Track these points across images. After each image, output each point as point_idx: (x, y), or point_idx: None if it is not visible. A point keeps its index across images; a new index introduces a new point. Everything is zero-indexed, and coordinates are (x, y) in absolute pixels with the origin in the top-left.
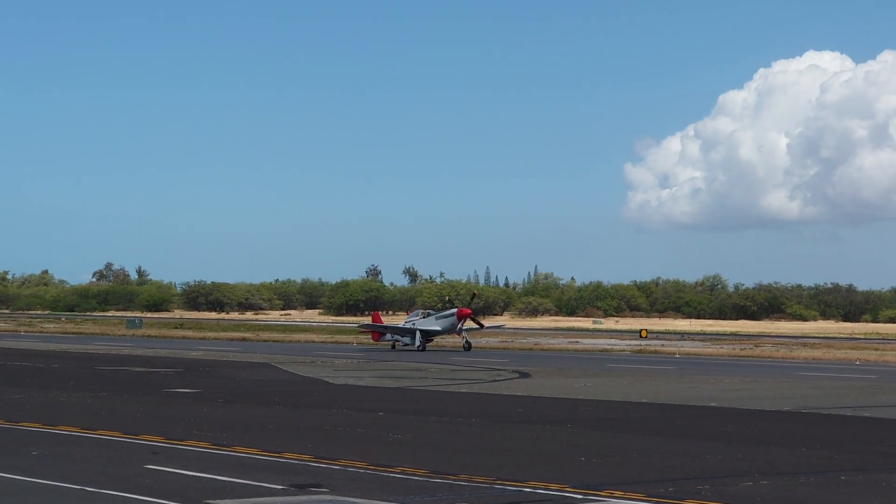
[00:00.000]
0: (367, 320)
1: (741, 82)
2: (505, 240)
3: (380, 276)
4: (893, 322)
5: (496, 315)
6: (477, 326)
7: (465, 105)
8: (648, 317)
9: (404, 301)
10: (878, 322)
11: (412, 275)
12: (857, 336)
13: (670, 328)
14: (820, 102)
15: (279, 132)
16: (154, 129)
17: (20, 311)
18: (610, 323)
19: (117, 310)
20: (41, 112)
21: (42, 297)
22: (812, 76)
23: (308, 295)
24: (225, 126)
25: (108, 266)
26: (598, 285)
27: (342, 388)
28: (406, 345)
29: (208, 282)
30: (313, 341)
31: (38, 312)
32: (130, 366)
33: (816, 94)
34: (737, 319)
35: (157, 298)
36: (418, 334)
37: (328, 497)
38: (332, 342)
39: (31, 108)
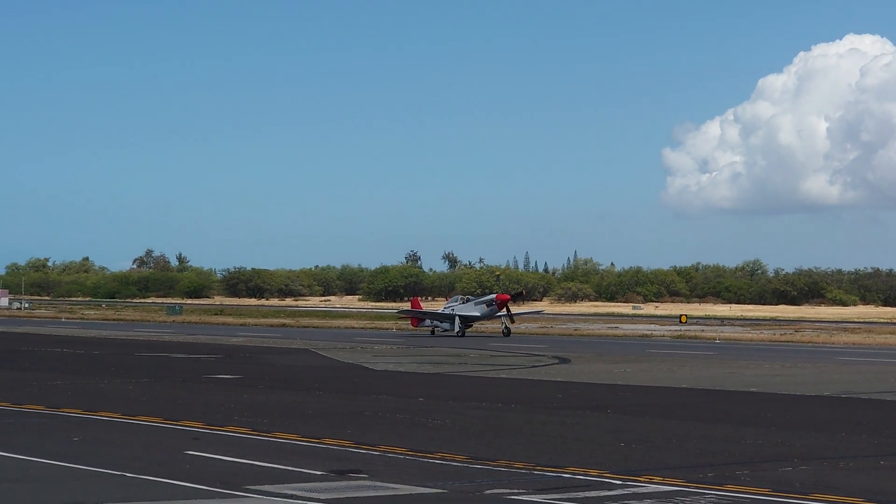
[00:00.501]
0: (407, 306)
1: (781, 66)
2: (544, 225)
3: (419, 262)
4: None
5: (535, 301)
6: (517, 309)
7: (506, 92)
8: (688, 302)
9: (444, 287)
10: None
11: (452, 260)
12: None
13: (710, 313)
14: (860, 86)
15: (318, 118)
16: (195, 116)
17: (61, 298)
18: (649, 308)
19: (157, 296)
20: (82, 99)
21: (83, 283)
22: (852, 60)
23: (348, 281)
24: (265, 114)
25: (149, 253)
26: (638, 271)
27: (382, 374)
28: (445, 330)
29: (248, 268)
30: (353, 327)
31: (79, 299)
32: (171, 352)
33: (856, 78)
34: (777, 304)
35: (198, 285)
36: (457, 320)
37: (368, 483)
38: (371, 328)
39: (70, 94)
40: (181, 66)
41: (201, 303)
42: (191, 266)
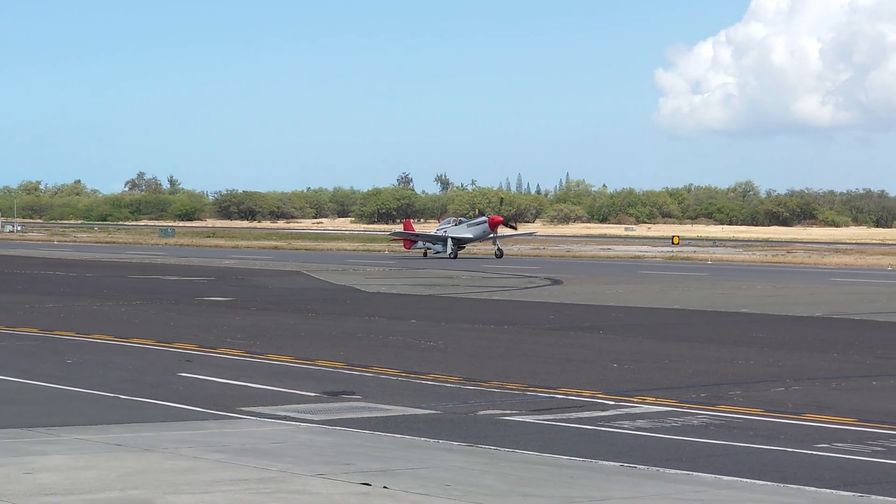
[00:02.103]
0: (399, 228)
1: None
2: (536, 147)
3: (411, 184)
4: None
5: (528, 222)
6: (510, 232)
7: (497, 12)
8: (681, 223)
9: (436, 209)
10: None
11: (444, 182)
12: (890, 242)
13: (702, 235)
14: (853, 6)
15: (308, 40)
16: (184, 36)
17: (53, 221)
18: (642, 230)
19: (150, 219)
20: (66, 21)
21: (75, 206)
22: None
23: (340, 203)
24: (256, 34)
25: (141, 175)
26: (630, 192)
27: (374, 296)
28: (438, 252)
29: (240, 191)
30: (345, 249)
31: (71, 222)
32: (163, 275)
33: None
34: (769, 226)
35: (190, 207)
36: (450, 242)
37: (361, 404)
38: (363, 250)
39: (58, 16)
40: None
41: (193, 225)
42: (183, 189)
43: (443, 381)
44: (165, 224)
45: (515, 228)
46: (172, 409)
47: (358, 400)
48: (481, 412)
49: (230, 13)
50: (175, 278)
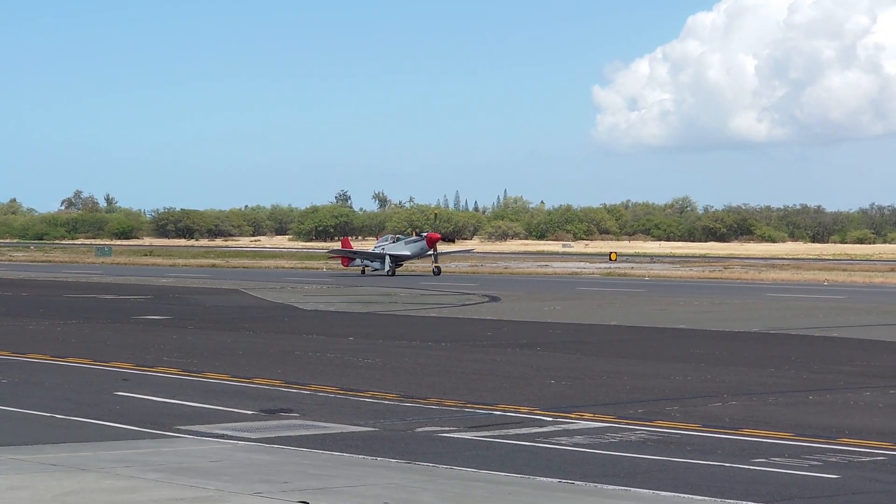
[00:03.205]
0: (337, 246)
1: (710, 4)
2: (474, 164)
3: (349, 202)
4: (861, 243)
5: (466, 239)
6: (448, 248)
7: (434, 29)
8: (618, 240)
9: (374, 226)
10: (846, 243)
11: (382, 200)
12: (826, 257)
13: (640, 251)
14: (788, 23)
15: (244, 59)
16: (120, 55)
17: None
18: (579, 246)
19: (86, 238)
20: (7, 35)
21: (10, 225)
22: None
23: (277, 221)
24: (192, 52)
25: (77, 194)
26: (568, 208)
27: (312, 314)
28: (375, 270)
29: (177, 209)
30: (283, 267)
31: (7, 241)
32: (100, 293)
33: (784, 16)
34: (706, 241)
35: (127, 226)
36: (388, 259)
37: (299, 422)
38: (301, 268)
39: None
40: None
41: (130, 244)
42: (119, 207)
43: (381, 399)
44: (102, 243)
45: (453, 241)
46: (109, 428)
47: (295, 418)
48: (419, 429)
49: (165, 32)
50: (112, 297)
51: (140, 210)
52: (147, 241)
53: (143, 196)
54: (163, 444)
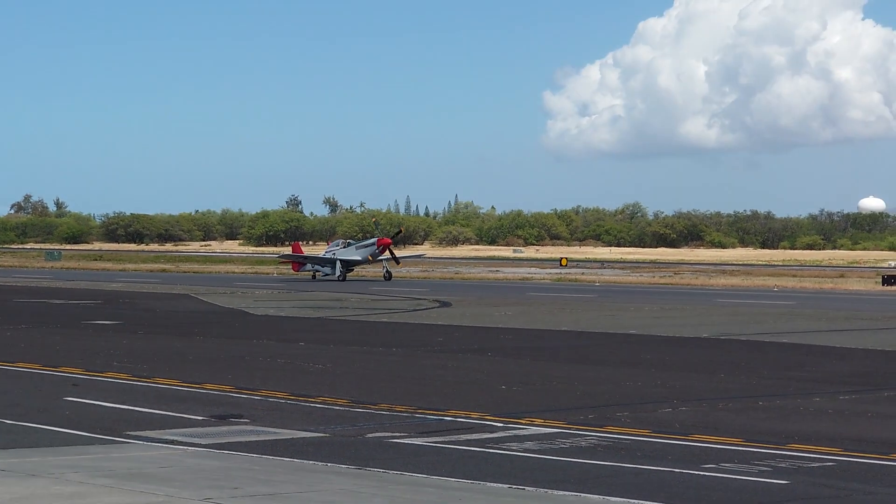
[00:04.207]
0: (288, 251)
1: (661, 10)
2: (425, 169)
3: (300, 206)
4: (811, 249)
5: (416, 244)
6: (399, 253)
7: (385, 33)
8: (569, 245)
9: (325, 231)
10: (795, 249)
11: (332, 205)
12: (775, 263)
13: (590, 256)
14: (739, 29)
15: (195, 62)
16: (69, 57)
17: None
18: (530, 251)
19: (36, 242)
20: None
21: None
22: (733, 3)
23: (228, 226)
24: (142, 56)
25: (27, 198)
26: (519, 214)
27: (263, 319)
28: (326, 275)
29: (127, 213)
30: (233, 272)
31: None
32: (49, 298)
33: (735, 21)
34: (656, 247)
35: (76, 230)
36: (338, 264)
37: (249, 427)
38: (252, 273)
39: None
40: (57, 8)
41: (80, 248)
42: (69, 211)
43: (331, 404)
44: (52, 247)
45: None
46: (59, 433)
47: (246, 423)
48: (370, 435)
49: (115, 34)
50: (61, 302)
51: (90, 214)
52: (97, 245)
53: (93, 200)
54: (113, 450)
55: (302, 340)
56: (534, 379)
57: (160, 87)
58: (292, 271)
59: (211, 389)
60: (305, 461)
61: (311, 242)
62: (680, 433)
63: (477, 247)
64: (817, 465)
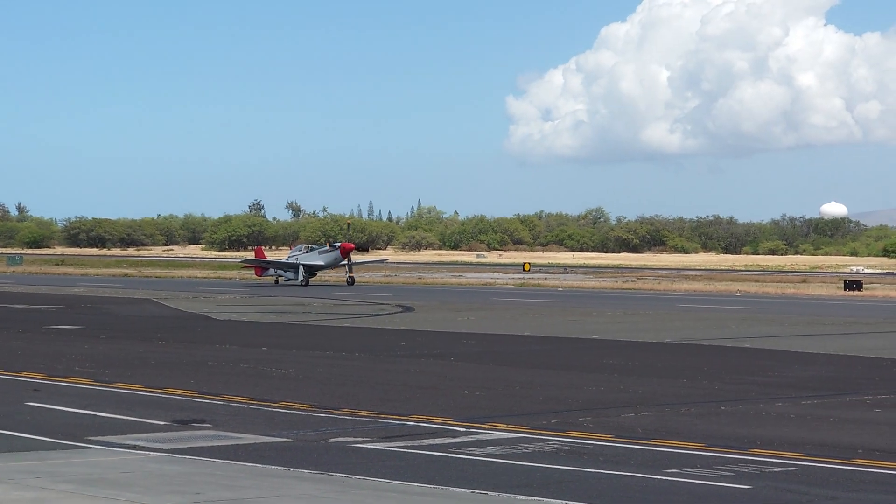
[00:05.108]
0: (251, 255)
1: (624, 15)
2: (388, 174)
3: (263, 211)
4: (773, 254)
5: (379, 249)
6: (363, 258)
7: (346, 39)
8: (532, 250)
9: (288, 236)
10: (758, 254)
11: (295, 209)
12: (738, 268)
13: (553, 261)
14: (701, 35)
15: (157, 69)
16: (32, 62)
17: None
18: (493, 257)
19: None
20: None
21: None
22: (695, 8)
23: (190, 230)
24: (104, 61)
25: None
26: (482, 219)
27: (225, 324)
28: (289, 280)
29: (89, 218)
30: (196, 277)
31: None
32: (10, 303)
33: (698, 27)
34: (619, 252)
35: (38, 235)
36: (301, 269)
37: (212, 432)
38: (215, 277)
39: None
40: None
41: (42, 253)
42: (31, 216)
43: (294, 409)
44: (13, 252)
45: (367, 251)
46: (19, 438)
47: (208, 428)
48: (333, 440)
49: (75, 40)
50: (23, 306)
51: (52, 219)
52: (59, 250)
53: (54, 205)
54: (74, 455)
55: (264, 345)
56: (496, 384)
57: (122, 92)
58: (255, 276)
59: (173, 394)
60: (268, 466)
61: (273, 247)
62: (642, 438)
63: (440, 252)
64: (780, 469)
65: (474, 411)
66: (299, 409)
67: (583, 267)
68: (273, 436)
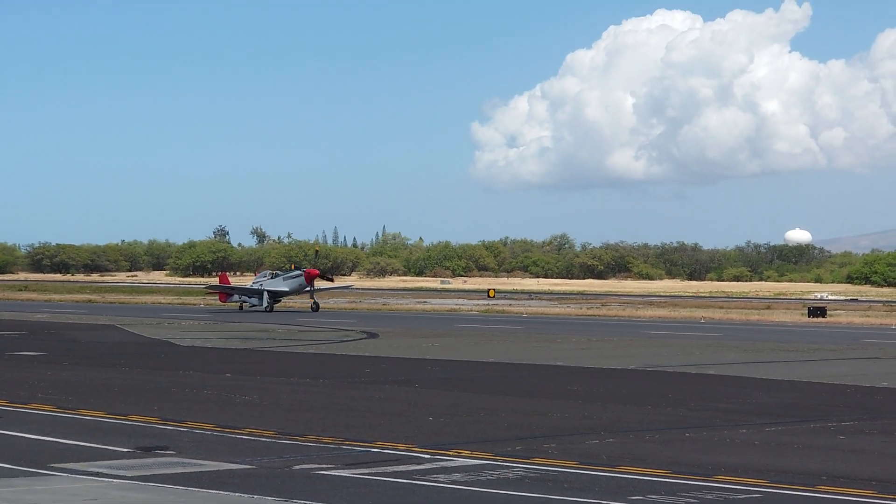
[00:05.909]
0: (215, 281)
1: (590, 42)
2: (353, 200)
3: (227, 237)
4: (738, 280)
5: (344, 275)
6: (327, 285)
7: (312, 65)
8: (496, 276)
9: (252, 262)
10: (722, 280)
11: (260, 235)
12: (702, 294)
13: (518, 288)
14: (666, 62)
15: (122, 91)
16: None
17: None
18: (458, 283)
19: None
20: None
21: None
22: (661, 35)
23: (155, 256)
24: (67, 84)
25: None
26: (447, 245)
27: (189, 350)
28: (254, 306)
29: (53, 243)
30: (160, 303)
31: None
32: None
33: (663, 54)
34: (584, 278)
35: (1, 261)
36: (266, 295)
37: (175, 459)
38: (179, 304)
39: None
40: None
41: (4, 279)
42: None
43: (258, 436)
44: None
45: (332, 280)
46: None
47: (172, 455)
48: (297, 467)
49: (37, 63)
50: None
51: (15, 244)
52: (22, 275)
53: (18, 231)
54: (37, 482)
55: (228, 372)
56: (461, 410)
57: (85, 117)
58: (219, 302)
59: (136, 421)
60: (231, 493)
61: (238, 273)
62: (607, 465)
63: (405, 278)
64: (744, 496)
65: (439, 438)
66: (263, 436)
67: (548, 293)
68: (237, 463)
